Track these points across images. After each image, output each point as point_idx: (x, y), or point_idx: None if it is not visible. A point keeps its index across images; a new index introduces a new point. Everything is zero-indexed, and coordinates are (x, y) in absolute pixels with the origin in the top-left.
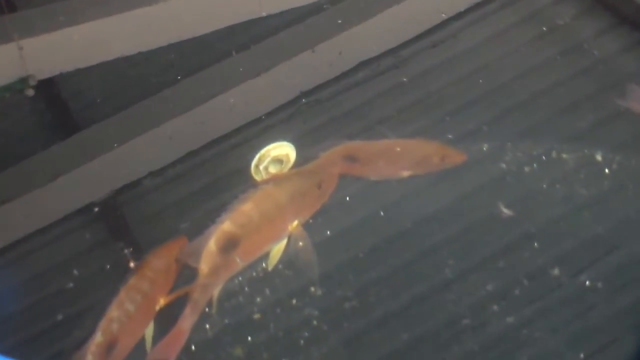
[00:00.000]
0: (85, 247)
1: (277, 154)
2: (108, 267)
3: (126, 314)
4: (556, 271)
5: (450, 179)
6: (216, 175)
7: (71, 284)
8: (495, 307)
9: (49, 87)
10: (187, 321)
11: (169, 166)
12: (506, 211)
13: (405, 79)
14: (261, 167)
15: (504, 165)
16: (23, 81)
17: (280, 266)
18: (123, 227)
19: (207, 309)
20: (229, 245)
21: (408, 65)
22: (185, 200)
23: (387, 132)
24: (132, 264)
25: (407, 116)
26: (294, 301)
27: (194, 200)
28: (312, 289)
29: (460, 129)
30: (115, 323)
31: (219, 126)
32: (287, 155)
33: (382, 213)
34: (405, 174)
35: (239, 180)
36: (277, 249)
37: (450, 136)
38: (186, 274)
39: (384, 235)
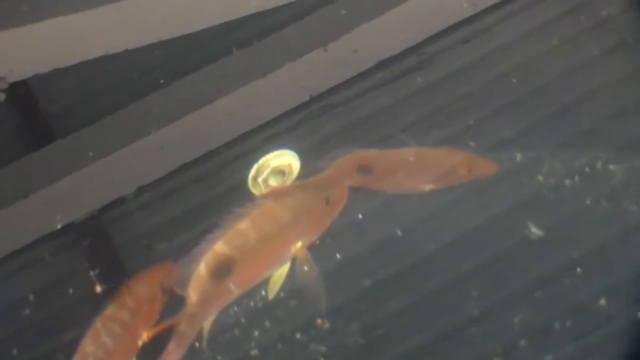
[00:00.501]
0: (59, 274)
1: (278, 164)
2: (84, 294)
3: (103, 349)
4: (603, 302)
5: (479, 195)
6: (213, 191)
7: (42, 315)
8: (530, 345)
9: (21, 91)
10: (172, 357)
11: (158, 181)
12: (542, 233)
13: (430, 81)
14: (260, 180)
15: (540, 178)
16: None
17: (282, 295)
18: (104, 250)
19: (196, 344)
20: (222, 269)
21: (433, 65)
22: (177, 220)
23: (407, 140)
24: (110, 291)
25: (431, 122)
26: (298, 335)
27: (186, 220)
28: (319, 321)
29: (491, 137)
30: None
31: (216, 135)
32: (289, 166)
33: (399, 234)
34: (427, 187)
35: (238, 196)
36: (279, 275)
37: (479, 145)
38: (174, 303)
39: (402, 261)
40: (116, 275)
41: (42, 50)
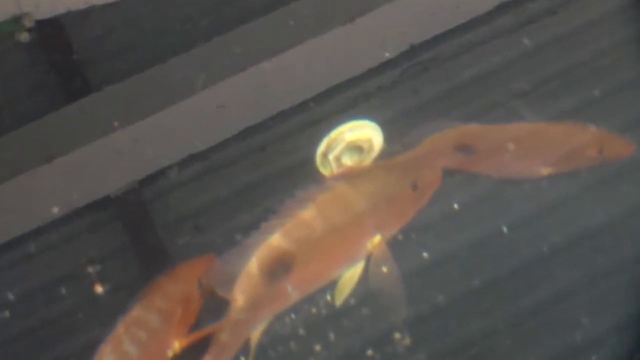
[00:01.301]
0: (79, 261)
1: (354, 138)
2: (105, 290)
3: (125, 358)
4: None
5: (612, 183)
6: (271, 168)
7: (55, 314)
8: None
9: (49, 31)
10: None
11: (210, 150)
12: None
13: (557, 34)
14: (331, 157)
15: None
16: (15, 21)
17: (352, 301)
18: (143, 232)
19: (242, 359)
20: (279, 267)
21: (567, 12)
22: (224, 202)
23: (522, 112)
24: (138, 289)
25: (552, 90)
26: (370, 352)
27: (236, 203)
28: (397, 336)
29: (629, 111)
30: None
31: (285, 94)
32: (369, 141)
33: (505, 230)
34: (545, 172)
35: (302, 177)
36: (349, 276)
37: (613, 120)
38: (214, 306)
39: (505, 264)
40: (156, 264)
41: None
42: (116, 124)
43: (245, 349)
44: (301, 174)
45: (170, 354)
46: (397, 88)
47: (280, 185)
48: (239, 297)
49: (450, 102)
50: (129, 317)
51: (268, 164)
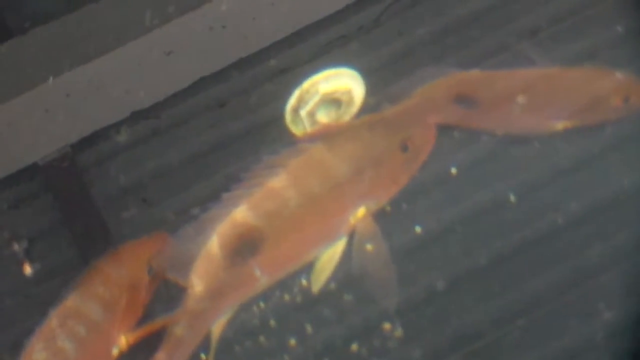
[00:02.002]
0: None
1: (331, 90)
2: (35, 276)
3: (59, 358)
4: None
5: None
6: (233, 127)
7: None
8: None
9: None
10: None
11: (158, 107)
12: None
13: None
14: (303, 112)
15: None
16: None
17: (332, 286)
18: (78, 205)
19: (202, 356)
20: (244, 247)
21: None
22: (178, 169)
23: (532, 55)
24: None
25: (568, 28)
26: (355, 347)
27: (193, 169)
28: (387, 327)
29: None
30: None
31: (246, 38)
32: (348, 92)
33: (513, 199)
34: (560, 126)
35: (270, 137)
36: (329, 257)
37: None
38: (167, 294)
39: (512, 240)
40: (96, 245)
41: None
42: (44, 75)
43: (205, 344)
44: (269, 134)
45: (115, 351)
46: (381, 28)
47: (244, 149)
48: (197, 283)
49: (444, 44)
50: (63, 307)
51: (228, 122)
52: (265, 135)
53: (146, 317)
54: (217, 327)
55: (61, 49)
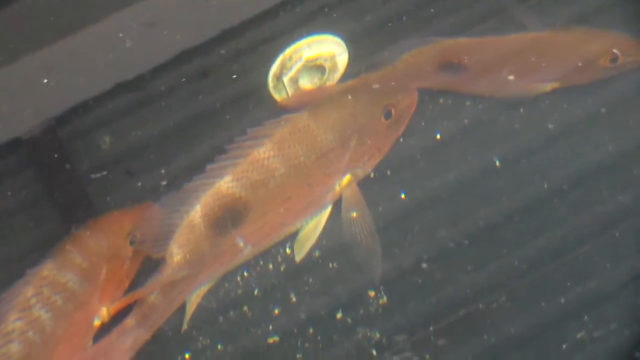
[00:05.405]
0: None
1: (314, 56)
2: (18, 249)
3: (36, 327)
4: None
5: (630, 103)
6: (218, 95)
7: None
8: None
9: None
10: (125, 341)
11: (141, 78)
12: None
13: None
14: (285, 79)
15: None
16: None
17: (316, 255)
18: (61, 178)
19: (186, 356)
20: (228, 217)
21: None
22: (159, 140)
23: (523, 19)
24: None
25: None
26: (340, 315)
27: (177, 140)
28: (372, 294)
29: None
30: (15, 345)
31: (228, 8)
32: (331, 58)
33: (498, 165)
34: (549, 87)
35: (253, 105)
36: (313, 226)
37: (632, 24)
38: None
39: (499, 207)
40: (79, 218)
41: None
42: (25, 48)
43: (178, 316)
44: (252, 103)
45: (97, 322)
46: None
47: (227, 118)
48: (177, 252)
49: (430, 11)
50: (39, 276)
51: (211, 92)
52: (249, 105)
53: (132, 287)
54: (195, 298)
55: (43, 21)
